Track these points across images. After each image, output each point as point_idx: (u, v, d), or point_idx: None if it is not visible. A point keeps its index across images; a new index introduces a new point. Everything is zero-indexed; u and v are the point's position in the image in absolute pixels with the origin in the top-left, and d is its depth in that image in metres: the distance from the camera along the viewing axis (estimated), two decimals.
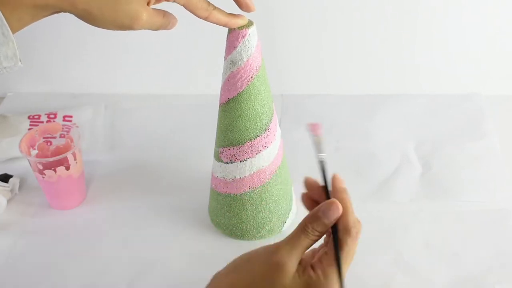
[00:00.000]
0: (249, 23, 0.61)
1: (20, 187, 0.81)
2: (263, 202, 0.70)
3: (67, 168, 0.73)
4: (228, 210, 0.71)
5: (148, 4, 0.52)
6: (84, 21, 0.51)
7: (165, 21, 0.55)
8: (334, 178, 0.54)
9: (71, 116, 0.92)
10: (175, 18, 0.56)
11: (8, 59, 0.49)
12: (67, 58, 0.98)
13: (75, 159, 0.74)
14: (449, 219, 0.74)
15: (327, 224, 0.50)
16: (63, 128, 0.78)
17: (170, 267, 0.69)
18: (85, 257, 0.71)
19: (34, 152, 0.76)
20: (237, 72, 0.63)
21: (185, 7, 0.54)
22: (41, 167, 0.73)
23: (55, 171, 0.73)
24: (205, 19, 0.56)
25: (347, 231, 0.50)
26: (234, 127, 0.66)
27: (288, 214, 0.74)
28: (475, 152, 0.85)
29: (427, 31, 0.92)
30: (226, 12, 0.58)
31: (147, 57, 0.97)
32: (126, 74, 1.00)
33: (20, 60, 0.50)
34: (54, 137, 0.78)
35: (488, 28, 0.91)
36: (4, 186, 0.79)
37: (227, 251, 0.69)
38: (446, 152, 0.85)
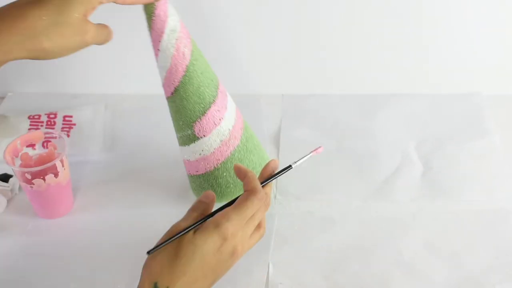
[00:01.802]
0: None
1: (20, 187, 0.81)
2: (223, 178, 0.73)
3: (56, 175, 0.72)
4: (206, 189, 0.74)
5: (85, 16, 0.53)
6: (39, 59, 0.53)
7: (109, 33, 0.56)
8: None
9: (71, 116, 0.92)
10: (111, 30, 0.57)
11: None
12: (67, 58, 0.97)
13: (63, 166, 0.73)
14: (449, 219, 0.74)
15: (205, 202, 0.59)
16: (45, 137, 0.76)
17: None
18: (86, 257, 0.71)
19: (17, 162, 0.74)
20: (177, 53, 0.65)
21: (115, 1, 0.56)
22: (29, 177, 0.71)
23: (44, 179, 0.72)
24: (128, 3, 0.57)
25: (257, 193, 0.57)
26: (185, 110, 0.69)
27: None
28: (476, 151, 0.85)
29: (428, 30, 0.91)
30: None
31: (147, 57, 0.96)
32: (126, 74, 1.00)
33: None
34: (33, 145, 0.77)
35: (489, 27, 0.91)
36: (4, 186, 0.79)
37: None
38: (447, 152, 0.85)
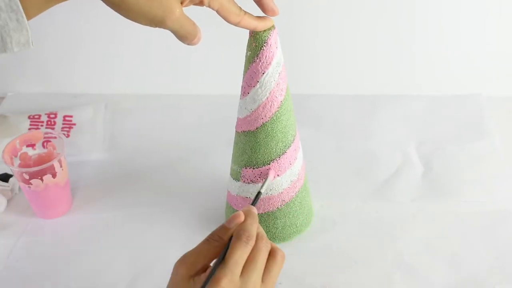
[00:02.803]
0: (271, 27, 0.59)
1: (20, 187, 0.81)
2: (283, 219, 0.70)
3: (54, 176, 0.72)
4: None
5: (181, 3, 0.50)
6: (115, 10, 0.49)
7: (194, 29, 0.52)
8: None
9: (71, 116, 0.92)
10: (201, 34, 0.53)
11: (20, 45, 0.47)
12: (67, 58, 0.98)
13: (61, 166, 0.73)
14: (449, 219, 0.74)
15: (227, 227, 0.52)
16: (44, 137, 0.76)
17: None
18: (86, 257, 0.71)
19: (16, 161, 0.74)
20: (273, 93, 0.61)
21: (218, 12, 0.53)
22: (27, 177, 0.71)
23: (42, 179, 0.72)
24: (237, 24, 0.55)
25: (237, 235, 0.51)
26: (250, 152, 0.65)
27: (311, 218, 0.74)
28: (476, 152, 0.85)
29: (428, 31, 0.92)
30: (255, 16, 0.56)
31: (147, 57, 0.97)
32: (126, 74, 1.00)
33: (32, 43, 0.48)
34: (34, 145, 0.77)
35: (490, 28, 0.91)
36: (4, 186, 0.79)
37: None
38: (447, 153, 0.85)
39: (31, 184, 0.72)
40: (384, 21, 0.91)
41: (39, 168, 0.71)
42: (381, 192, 0.78)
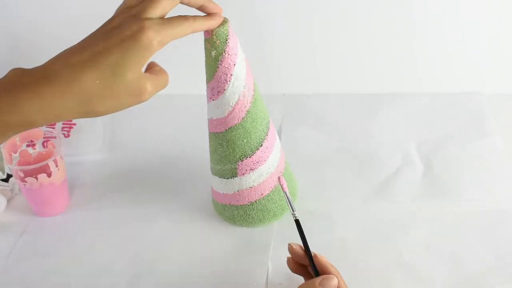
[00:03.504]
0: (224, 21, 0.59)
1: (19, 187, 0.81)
2: (266, 210, 0.72)
3: (49, 175, 0.73)
4: (232, 217, 0.73)
5: (142, 70, 0.49)
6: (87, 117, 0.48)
7: (167, 79, 0.52)
8: (315, 257, 0.61)
9: None
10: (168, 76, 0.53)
11: None
12: None
13: (56, 166, 0.73)
14: (450, 219, 0.74)
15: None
16: (44, 135, 0.77)
17: (170, 265, 0.69)
18: (86, 256, 0.71)
19: (16, 158, 0.75)
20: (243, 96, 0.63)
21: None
22: (22, 175, 0.72)
23: (36, 178, 0.72)
24: (192, 32, 0.53)
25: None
26: (243, 143, 0.66)
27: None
28: (477, 151, 0.84)
29: (428, 29, 0.91)
30: (203, 17, 0.55)
31: None
32: None
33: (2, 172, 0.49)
34: (34, 144, 0.77)
35: (491, 26, 0.91)
36: (4, 186, 0.79)
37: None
38: (448, 152, 0.85)
39: (26, 182, 0.72)
40: (384, 20, 0.91)
41: (34, 167, 0.71)
42: (381, 192, 0.78)
